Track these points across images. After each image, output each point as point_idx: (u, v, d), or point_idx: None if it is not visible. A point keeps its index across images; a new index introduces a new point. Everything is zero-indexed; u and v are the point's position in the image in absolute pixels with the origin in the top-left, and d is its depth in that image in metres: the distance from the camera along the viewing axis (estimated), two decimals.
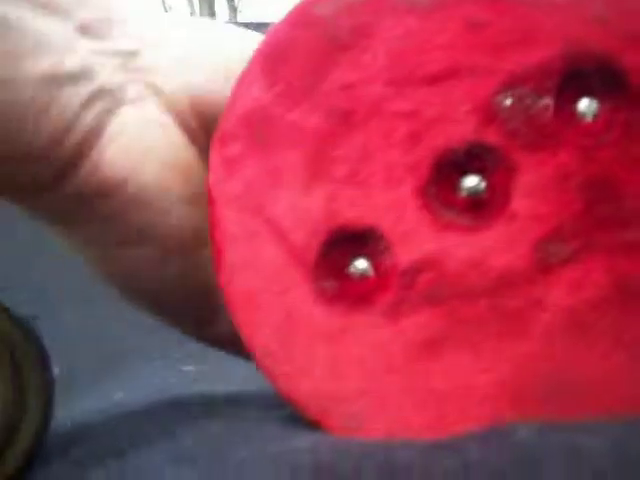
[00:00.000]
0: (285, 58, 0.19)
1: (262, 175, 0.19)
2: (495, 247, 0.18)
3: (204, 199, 0.20)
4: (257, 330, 0.19)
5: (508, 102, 0.18)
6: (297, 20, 0.19)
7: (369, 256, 0.19)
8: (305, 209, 0.19)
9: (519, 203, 0.18)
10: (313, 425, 0.18)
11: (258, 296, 0.19)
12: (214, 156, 0.19)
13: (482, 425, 0.16)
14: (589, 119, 0.18)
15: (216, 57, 0.21)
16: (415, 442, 0.16)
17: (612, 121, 0.18)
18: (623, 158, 0.17)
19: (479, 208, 0.18)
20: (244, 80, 0.19)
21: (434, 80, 0.18)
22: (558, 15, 0.18)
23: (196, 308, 0.22)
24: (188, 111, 0.21)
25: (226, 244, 0.19)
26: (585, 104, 0.18)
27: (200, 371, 0.35)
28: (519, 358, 0.18)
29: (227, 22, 0.26)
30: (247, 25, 0.24)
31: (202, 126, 0.21)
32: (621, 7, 0.18)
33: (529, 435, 0.11)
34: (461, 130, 0.18)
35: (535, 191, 0.18)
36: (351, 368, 0.18)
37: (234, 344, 0.20)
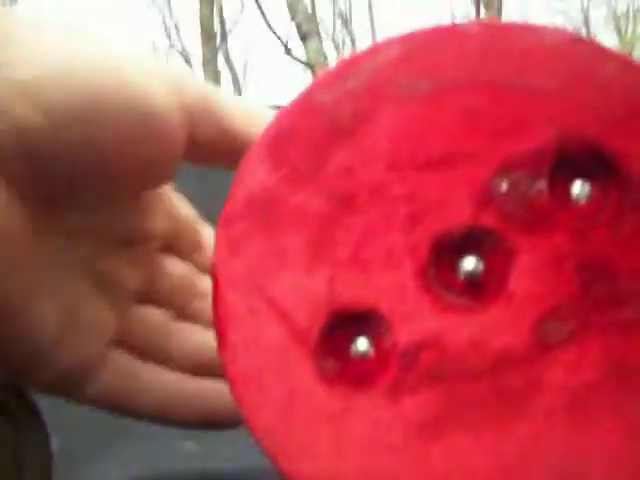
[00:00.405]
0: (289, 143, 0.20)
1: (266, 256, 0.20)
2: (494, 328, 0.18)
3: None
4: (259, 409, 0.19)
5: (504, 187, 0.19)
6: (301, 106, 0.20)
7: (370, 337, 0.19)
8: (307, 290, 0.19)
9: (516, 284, 0.18)
10: None
11: (260, 376, 0.19)
12: (219, 235, 0.20)
13: None
14: (583, 201, 0.18)
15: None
16: None
17: (604, 202, 0.18)
18: (616, 238, 0.18)
19: (477, 289, 0.19)
20: (250, 162, 0.20)
21: (433, 165, 0.19)
22: (551, 102, 0.18)
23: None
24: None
25: (229, 323, 0.20)
26: (578, 187, 0.19)
27: (201, 448, 0.35)
28: (520, 441, 0.18)
29: None
30: None
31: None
32: (609, 94, 0.18)
33: None
34: (459, 213, 0.19)
35: (532, 272, 0.18)
36: (352, 447, 0.18)
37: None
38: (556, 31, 0.19)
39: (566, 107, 0.18)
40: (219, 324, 0.20)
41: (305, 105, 0.20)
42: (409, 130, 0.19)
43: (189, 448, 0.33)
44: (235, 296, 0.20)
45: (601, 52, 0.18)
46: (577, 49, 0.19)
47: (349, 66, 0.20)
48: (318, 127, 0.20)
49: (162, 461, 0.31)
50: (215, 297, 0.20)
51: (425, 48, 0.19)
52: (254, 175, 0.20)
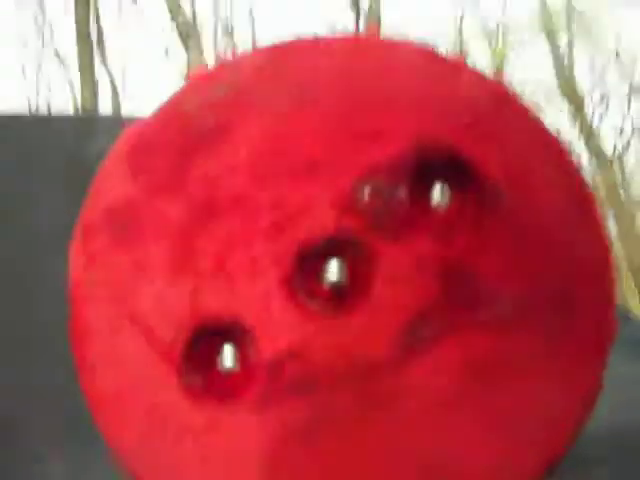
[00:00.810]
0: (150, 151, 0.19)
1: (126, 268, 0.19)
2: (359, 335, 0.18)
3: None
4: (122, 431, 0.18)
5: (366, 194, 0.19)
6: (163, 115, 0.20)
7: (236, 349, 0.19)
8: (170, 303, 0.19)
9: (380, 290, 0.18)
10: None
11: (123, 395, 0.18)
12: (76, 249, 0.19)
13: None
14: (443, 207, 0.19)
15: None
16: None
17: (463, 208, 0.19)
18: (475, 243, 0.18)
19: (342, 297, 0.19)
20: (107, 172, 0.19)
21: (296, 174, 0.19)
22: (408, 112, 0.19)
23: None
24: None
25: (87, 340, 0.19)
26: (438, 194, 0.19)
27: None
28: (389, 446, 0.18)
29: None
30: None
31: None
32: (460, 104, 0.19)
33: None
34: (323, 221, 0.19)
35: (395, 279, 0.18)
36: (219, 464, 0.18)
37: None
38: (415, 47, 0.19)
39: (422, 117, 0.19)
40: (76, 341, 0.19)
41: (168, 114, 0.20)
42: (271, 140, 0.19)
43: None
44: (94, 312, 0.19)
45: (455, 66, 0.19)
46: (432, 64, 0.19)
47: (213, 76, 0.20)
48: (180, 136, 0.19)
49: None
50: (72, 312, 0.19)
51: (287, 61, 0.19)
52: (113, 185, 0.19)
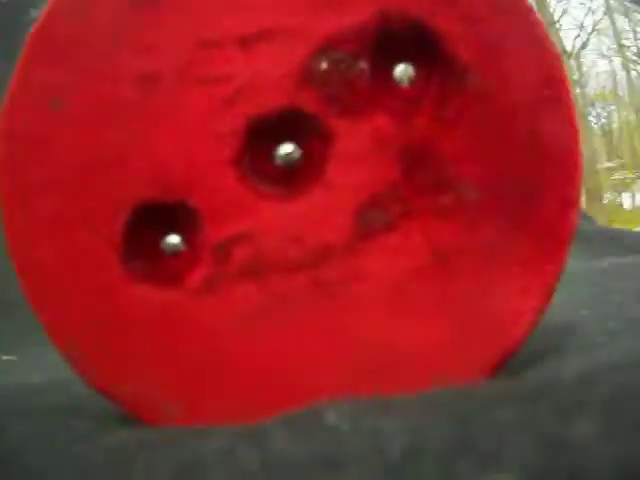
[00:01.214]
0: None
1: (71, 153, 0.17)
2: (312, 218, 0.17)
3: None
4: (63, 319, 0.17)
5: (323, 66, 0.17)
6: None
7: (181, 231, 0.17)
8: (108, 183, 0.17)
9: (335, 171, 0.17)
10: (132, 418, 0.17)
11: (62, 282, 0.17)
12: None
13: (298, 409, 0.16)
14: (405, 85, 0.17)
15: None
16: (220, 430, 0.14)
17: (427, 86, 0.17)
18: (439, 124, 0.17)
19: (294, 178, 0.17)
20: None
21: (247, 43, 0.17)
22: None
23: None
24: None
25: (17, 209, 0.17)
26: (401, 69, 0.17)
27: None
28: (340, 333, 0.17)
29: None
30: None
31: None
32: None
33: (338, 419, 0.11)
34: (275, 96, 0.17)
35: (351, 159, 0.17)
36: (167, 353, 0.17)
37: None
38: None
39: None
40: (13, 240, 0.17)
41: None
42: (215, 4, 0.17)
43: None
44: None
45: None
46: None
47: None
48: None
49: None
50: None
51: None
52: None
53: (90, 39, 0.17)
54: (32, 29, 0.17)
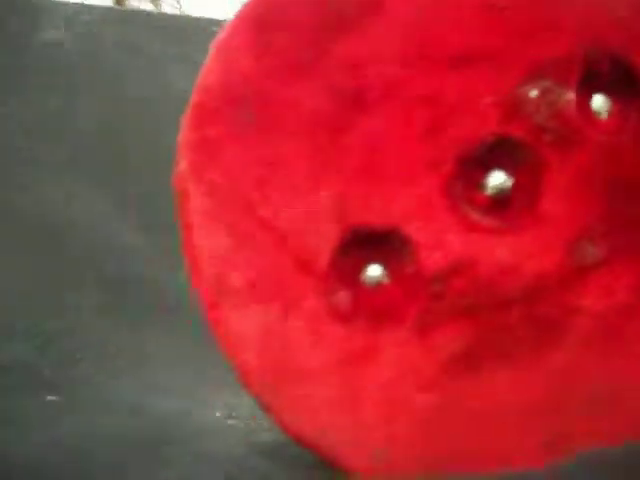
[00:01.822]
0: (280, 25, 0.16)
1: (253, 166, 0.16)
2: (527, 251, 0.16)
3: None
4: (256, 359, 0.15)
5: (533, 94, 0.17)
6: None
7: (384, 262, 0.16)
8: (311, 208, 0.16)
9: (547, 203, 0.16)
10: (325, 466, 0.15)
11: (255, 317, 0.15)
12: (186, 136, 0.16)
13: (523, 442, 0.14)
14: (604, 117, 0.17)
15: None
16: None
17: (626, 119, 0.17)
18: (638, 159, 0.17)
19: (506, 208, 0.17)
20: (225, 45, 0.16)
21: (453, 64, 0.16)
22: (579, 9, 0.17)
23: None
24: None
25: (209, 253, 0.15)
26: (600, 101, 0.17)
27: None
28: (556, 370, 0.16)
29: None
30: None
31: None
32: (637, 8, 0.17)
33: None
34: (485, 122, 0.16)
35: (563, 190, 0.16)
36: (372, 394, 0.15)
37: None
38: None
39: (598, 18, 0.17)
40: (191, 257, 0.15)
41: None
42: (424, 23, 0.16)
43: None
44: (213, 218, 0.16)
45: None
46: None
47: None
48: (317, 10, 0.16)
49: None
50: (184, 218, 0.16)
51: None
52: (232, 61, 0.16)
53: (294, 45, 0.16)
54: None
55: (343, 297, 0.16)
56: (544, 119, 0.17)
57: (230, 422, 0.23)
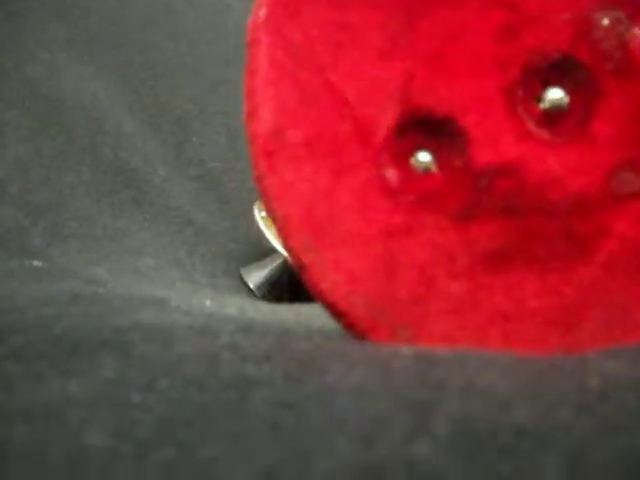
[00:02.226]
0: None
1: (329, 28, 0.16)
2: (574, 167, 0.17)
3: None
4: (301, 215, 0.15)
5: (605, 22, 0.17)
6: None
7: (435, 150, 0.16)
8: (378, 82, 0.16)
9: (599, 126, 0.17)
10: (356, 335, 0.15)
11: (307, 172, 0.15)
12: None
13: (542, 349, 0.15)
14: None
15: None
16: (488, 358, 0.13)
17: None
18: None
19: (558, 124, 0.17)
20: None
21: None
22: None
23: None
24: None
25: (271, 104, 0.15)
26: None
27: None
28: (581, 284, 0.16)
29: None
30: None
31: None
32: None
33: None
34: (556, 38, 0.17)
35: (615, 118, 0.17)
36: (409, 272, 0.16)
37: None
38: None
39: None
40: (253, 104, 0.15)
41: None
42: None
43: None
44: (285, 67, 0.16)
45: None
46: None
47: None
48: None
49: None
50: (251, 65, 0.16)
51: None
52: None
53: None
54: None
55: (392, 175, 0.16)
56: (610, 47, 0.17)
57: (208, 303, 0.23)
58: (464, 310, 0.16)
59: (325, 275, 0.15)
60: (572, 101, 0.17)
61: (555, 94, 0.17)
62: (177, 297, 0.22)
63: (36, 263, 0.26)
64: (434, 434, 0.09)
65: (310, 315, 0.22)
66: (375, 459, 0.08)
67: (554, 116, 0.17)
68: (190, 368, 0.13)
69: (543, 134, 0.17)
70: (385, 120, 0.16)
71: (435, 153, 0.16)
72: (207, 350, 0.13)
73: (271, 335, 0.15)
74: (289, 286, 0.32)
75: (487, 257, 0.16)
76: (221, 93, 0.36)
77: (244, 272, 0.33)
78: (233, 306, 0.23)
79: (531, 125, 0.17)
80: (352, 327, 0.15)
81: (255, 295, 0.32)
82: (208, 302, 0.23)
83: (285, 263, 0.32)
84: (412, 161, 0.16)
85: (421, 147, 0.16)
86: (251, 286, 0.32)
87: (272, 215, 0.15)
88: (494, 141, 0.16)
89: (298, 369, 0.11)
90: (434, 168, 0.16)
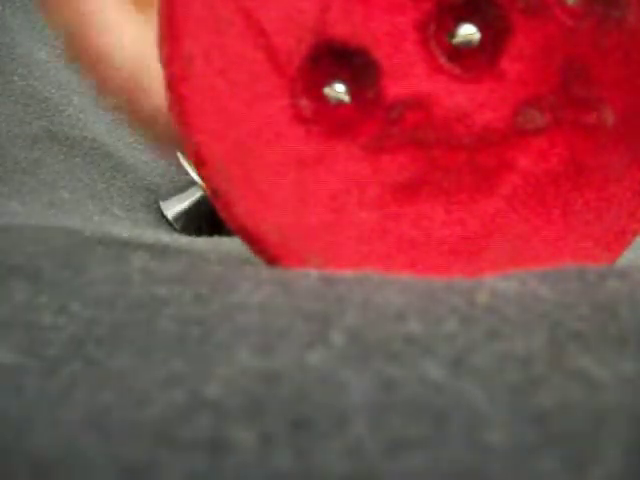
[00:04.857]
0: None
1: None
2: (480, 102, 0.17)
3: None
4: (214, 142, 0.15)
5: None
6: None
7: (349, 81, 0.17)
8: (295, 11, 0.16)
9: (508, 64, 0.18)
10: (268, 261, 0.16)
11: (221, 100, 0.16)
12: None
13: (445, 276, 0.16)
14: (571, 1, 0.18)
15: None
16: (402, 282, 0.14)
17: (590, 10, 0.18)
18: (597, 47, 0.18)
19: (470, 60, 0.17)
20: None
21: None
22: None
23: None
24: None
25: (186, 30, 0.15)
26: None
27: None
28: (485, 216, 0.17)
29: None
30: None
31: None
32: None
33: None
34: None
35: (523, 56, 0.18)
36: (320, 200, 0.16)
37: None
38: None
39: None
40: (170, 27, 0.15)
41: None
42: None
43: None
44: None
45: None
46: None
47: None
48: None
49: None
50: None
51: None
52: None
53: None
54: None
55: (306, 104, 0.16)
56: None
57: (126, 235, 0.23)
58: (373, 238, 0.16)
59: (238, 202, 0.16)
60: (483, 38, 0.18)
61: (467, 30, 0.17)
62: (92, 228, 0.22)
63: None
64: (330, 344, 0.09)
65: (227, 247, 0.22)
66: (273, 366, 0.09)
67: (465, 52, 0.17)
68: (101, 290, 0.13)
69: (454, 69, 0.17)
70: (300, 50, 0.16)
71: (348, 84, 0.17)
72: (119, 273, 0.14)
73: (184, 260, 0.15)
74: (208, 219, 0.32)
75: (396, 187, 0.17)
76: None
77: (163, 205, 0.33)
78: (151, 238, 0.23)
79: (442, 60, 0.17)
80: (263, 253, 0.16)
81: (175, 229, 0.32)
82: (125, 234, 0.23)
83: (204, 196, 0.32)
84: (326, 91, 0.17)
85: (335, 78, 0.17)
86: (170, 218, 0.32)
87: (186, 142, 0.16)
88: (405, 74, 0.17)
89: (207, 289, 0.12)
90: (347, 99, 0.17)
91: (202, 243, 0.23)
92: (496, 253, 0.17)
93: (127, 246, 0.17)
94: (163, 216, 0.32)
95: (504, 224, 0.17)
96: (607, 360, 0.08)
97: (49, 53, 0.32)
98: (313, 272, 0.13)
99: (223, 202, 0.16)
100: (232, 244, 0.21)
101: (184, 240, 0.24)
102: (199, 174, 0.16)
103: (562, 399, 0.07)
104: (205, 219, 0.32)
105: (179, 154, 0.31)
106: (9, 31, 0.31)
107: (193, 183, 0.32)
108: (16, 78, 0.30)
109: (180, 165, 0.31)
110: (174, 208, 0.32)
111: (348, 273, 0.13)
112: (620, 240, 0.19)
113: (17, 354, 0.11)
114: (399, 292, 0.11)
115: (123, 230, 0.24)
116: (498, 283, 0.12)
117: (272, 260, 0.16)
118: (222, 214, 0.16)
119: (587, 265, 0.13)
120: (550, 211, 0.18)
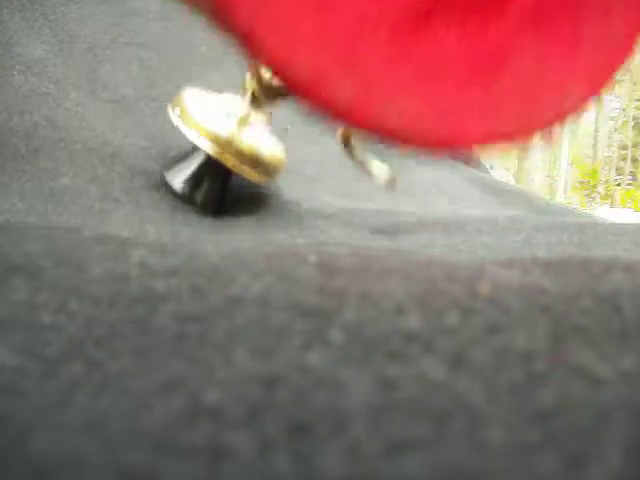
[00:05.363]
0: None
1: None
2: None
3: None
4: None
5: None
6: None
7: None
8: None
9: None
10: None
11: None
12: None
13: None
14: None
15: None
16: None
17: None
18: None
19: None
20: None
21: None
22: None
23: None
24: None
25: None
26: None
27: None
28: (496, 39, 0.17)
29: None
30: None
31: None
32: None
33: None
34: None
35: None
36: (336, 38, 0.16)
37: None
38: None
39: None
40: None
41: None
42: None
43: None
44: None
45: None
46: None
47: None
48: None
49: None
50: None
51: None
52: None
53: None
54: None
55: None
56: None
57: (126, 233, 0.23)
58: (395, 64, 0.16)
59: (267, 39, 0.15)
60: None
61: None
62: (91, 226, 0.22)
63: None
64: (329, 342, 0.09)
65: (229, 239, 0.22)
66: (272, 369, 0.09)
67: None
68: (100, 288, 0.13)
69: None
70: None
71: None
72: (117, 270, 0.14)
73: (182, 253, 0.15)
74: (210, 180, 0.33)
75: (411, 15, 0.17)
76: (132, 24, 0.35)
77: (168, 175, 0.33)
78: (152, 232, 0.23)
79: None
80: (297, 87, 0.16)
81: (178, 195, 0.32)
82: (126, 232, 0.23)
83: (205, 159, 0.32)
84: None
85: None
86: (175, 186, 0.32)
87: None
88: None
89: (204, 282, 0.12)
90: None
91: (205, 234, 0.23)
92: (511, 78, 0.17)
93: (126, 244, 0.17)
94: (167, 185, 0.32)
95: (516, 44, 0.17)
96: (608, 355, 0.08)
97: (46, 51, 0.32)
98: (312, 259, 0.13)
99: (254, 42, 0.15)
100: (235, 236, 0.21)
101: (186, 232, 0.24)
102: (229, 20, 0.15)
103: (563, 396, 0.07)
104: (206, 179, 0.33)
105: (176, 119, 0.31)
106: (7, 30, 0.31)
107: (191, 151, 0.32)
108: (15, 73, 0.30)
109: (178, 130, 0.31)
110: (179, 176, 0.33)
111: (348, 260, 0.13)
112: (627, 50, 0.19)
113: (17, 355, 0.11)
114: (399, 282, 0.11)
115: (125, 222, 0.24)
116: (500, 272, 0.12)
117: (305, 93, 0.16)
118: (252, 54, 0.15)
119: (592, 256, 0.13)
120: (559, 29, 0.18)
